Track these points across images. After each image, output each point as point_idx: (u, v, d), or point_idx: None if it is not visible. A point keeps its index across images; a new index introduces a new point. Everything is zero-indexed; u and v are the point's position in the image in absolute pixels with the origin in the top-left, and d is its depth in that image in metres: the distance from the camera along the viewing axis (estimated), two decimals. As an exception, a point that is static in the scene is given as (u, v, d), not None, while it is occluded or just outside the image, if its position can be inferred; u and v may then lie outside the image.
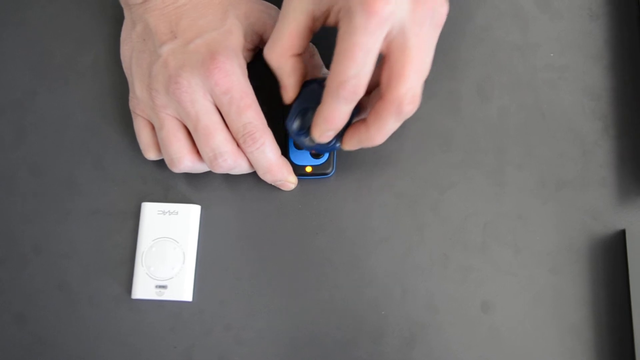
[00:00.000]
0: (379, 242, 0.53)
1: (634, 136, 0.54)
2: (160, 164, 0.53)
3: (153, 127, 0.52)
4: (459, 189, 0.54)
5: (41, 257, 0.53)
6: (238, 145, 0.49)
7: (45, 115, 0.56)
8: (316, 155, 0.53)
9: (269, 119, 0.49)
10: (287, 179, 0.52)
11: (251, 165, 0.51)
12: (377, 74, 0.45)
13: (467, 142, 0.54)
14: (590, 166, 0.54)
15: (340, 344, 0.51)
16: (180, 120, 0.49)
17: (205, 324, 0.52)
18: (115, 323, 0.52)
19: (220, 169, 0.50)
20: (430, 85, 0.55)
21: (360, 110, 0.50)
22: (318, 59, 0.52)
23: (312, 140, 0.48)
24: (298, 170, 0.52)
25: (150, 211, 0.53)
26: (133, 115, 0.52)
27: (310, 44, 0.51)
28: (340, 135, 0.49)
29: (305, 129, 0.49)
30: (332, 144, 0.49)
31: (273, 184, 0.52)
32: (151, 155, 0.52)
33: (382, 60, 0.45)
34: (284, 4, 0.46)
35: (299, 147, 0.53)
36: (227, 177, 0.54)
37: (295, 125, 0.49)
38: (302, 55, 0.48)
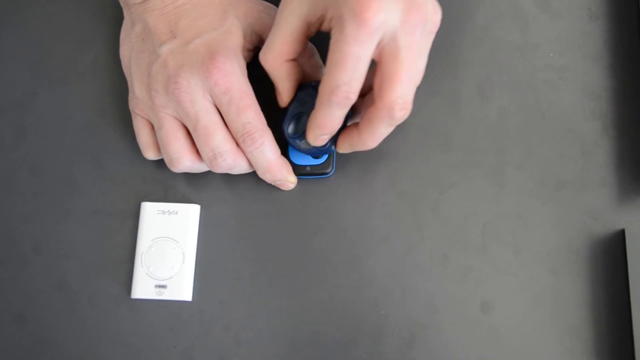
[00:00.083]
0: (378, 242, 0.53)
1: (634, 136, 0.54)
2: (160, 163, 0.53)
3: (152, 127, 0.52)
4: (459, 189, 0.54)
5: (41, 257, 0.53)
6: (237, 145, 0.49)
7: (45, 115, 0.56)
8: (315, 155, 0.53)
9: (268, 118, 0.49)
10: (287, 179, 0.52)
11: (251, 164, 0.51)
12: (371, 77, 0.45)
13: (467, 142, 0.54)
14: (590, 166, 0.54)
15: (340, 344, 0.51)
16: (179, 120, 0.49)
17: (204, 324, 0.52)
18: (115, 323, 0.52)
19: (219, 169, 0.50)
20: (430, 85, 0.55)
21: (355, 113, 0.50)
22: (318, 59, 0.52)
23: (307, 144, 0.49)
24: (297, 169, 0.53)
25: (150, 211, 0.53)
26: (132, 115, 0.52)
27: (310, 43, 0.51)
28: (335, 138, 0.49)
29: (301, 133, 0.49)
30: (327, 146, 0.49)
31: (272, 183, 0.52)
32: (150, 155, 0.52)
33: (375, 66, 0.45)
34: (279, 9, 0.46)
35: None
36: (227, 177, 0.54)
37: (290, 129, 0.50)
38: (298, 59, 0.49)
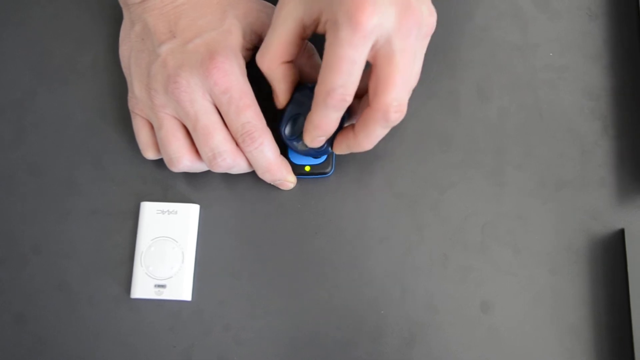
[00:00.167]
0: (378, 241, 0.53)
1: (633, 136, 0.54)
2: (160, 163, 0.53)
3: (152, 127, 0.52)
4: (459, 189, 0.54)
5: (41, 257, 0.53)
6: (237, 144, 0.49)
7: (45, 115, 0.56)
8: (313, 156, 0.53)
9: (268, 118, 0.50)
10: (286, 178, 0.52)
11: (250, 164, 0.51)
12: (367, 79, 0.45)
13: (467, 142, 0.54)
14: (590, 166, 0.54)
15: (339, 344, 0.51)
16: (179, 120, 0.50)
17: (204, 324, 0.52)
18: (114, 322, 0.52)
19: (219, 169, 0.50)
20: (430, 85, 0.55)
21: (352, 114, 0.50)
22: (317, 59, 0.52)
23: (304, 145, 0.49)
24: (297, 169, 0.53)
25: (150, 211, 0.53)
26: (132, 115, 0.52)
27: (309, 43, 0.51)
28: (332, 139, 0.49)
29: (298, 134, 0.49)
30: (324, 148, 0.50)
31: (272, 183, 0.52)
32: (150, 154, 0.52)
33: (370, 68, 0.45)
34: (275, 11, 0.47)
35: None
36: (226, 177, 0.54)
37: (287, 130, 0.50)
38: (297, 60, 0.49)
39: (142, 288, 0.52)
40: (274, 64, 0.48)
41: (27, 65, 0.57)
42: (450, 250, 0.53)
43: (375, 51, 0.43)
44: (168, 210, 0.53)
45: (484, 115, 0.55)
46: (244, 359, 0.51)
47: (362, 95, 0.49)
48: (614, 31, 0.56)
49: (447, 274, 0.52)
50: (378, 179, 0.54)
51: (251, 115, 0.48)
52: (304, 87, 0.50)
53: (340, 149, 0.50)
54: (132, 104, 0.52)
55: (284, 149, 0.52)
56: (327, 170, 0.53)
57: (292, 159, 0.53)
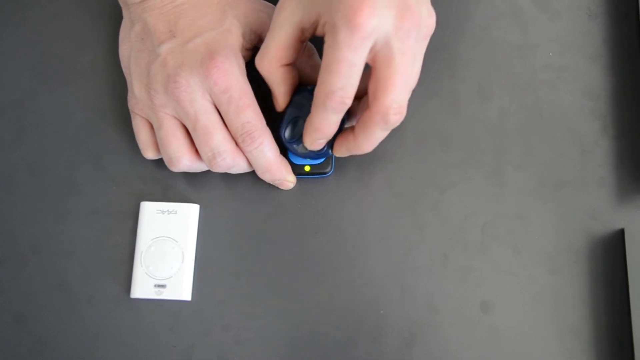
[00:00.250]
0: (378, 241, 0.53)
1: (633, 136, 0.54)
2: (159, 163, 0.53)
3: (152, 127, 0.52)
4: (459, 189, 0.54)
5: (41, 257, 0.53)
6: (237, 144, 0.49)
7: (45, 115, 0.56)
8: (313, 158, 0.53)
9: (267, 118, 0.50)
10: (286, 178, 0.52)
11: (250, 164, 0.51)
12: (366, 81, 0.45)
13: (467, 142, 0.54)
14: (590, 166, 0.54)
15: (339, 344, 0.51)
16: (179, 120, 0.50)
17: (204, 324, 0.52)
18: (114, 322, 0.52)
19: (219, 168, 0.50)
20: (430, 85, 0.55)
21: (352, 116, 0.50)
22: (317, 58, 0.52)
23: (304, 148, 0.49)
24: (297, 169, 0.53)
25: (150, 210, 0.53)
26: (132, 115, 0.53)
27: (309, 43, 0.51)
28: (332, 142, 0.49)
29: (297, 137, 0.50)
30: (324, 150, 0.50)
31: (272, 183, 0.52)
32: (150, 154, 0.52)
33: (369, 70, 0.45)
34: (274, 14, 0.47)
35: None
36: (226, 177, 0.54)
37: (287, 133, 0.50)
38: (297, 60, 0.49)
39: (142, 288, 0.52)
40: (273, 66, 0.48)
41: (27, 65, 0.57)
42: (450, 250, 0.53)
43: (374, 53, 0.43)
44: (168, 210, 0.53)
45: (484, 115, 0.55)
46: (244, 359, 0.51)
47: (362, 96, 0.49)
48: (613, 31, 0.56)
49: (447, 274, 0.52)
50: (378, 179, 0.54)
51: (251, 115, 0.48)
52: (304, 89, 0.50)
53: (340, 151, 0.50)
54: (132, 103, 0.52)
55: (284, 149, 0.52)
56: (327, 170, 0.53)
57: (291, 159, 0.53)
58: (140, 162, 0.54)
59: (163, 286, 0.52)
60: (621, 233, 0.52)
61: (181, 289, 0.52)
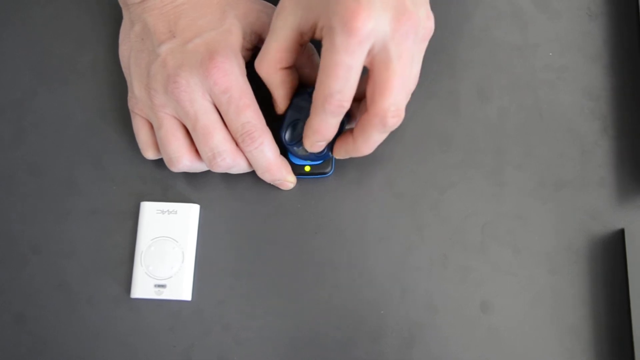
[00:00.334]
0: (378, 241, 0.53)
1: (633, 136, 0.54)
2: (159, 163, 0.53)
3: (152, 127, 0.52)
4: (459, 189, 0.54)
5: (40, 257, 0.53)
6: (237, 144, 0.49)
7: (45, 115, 0.56)
8: (313, 160, 0.53)
9: (267, 118, 0.50)
10: (286, 178, 0.52)
11: (250, 164, 0.51)
12: (365, 83, 0.45)
13: (467, 142, 0.54)
14: (590, 166, 0.54)
15: (339, 344, 0.51)
16: (179, 120, 0.50)
17: (204, 324, 0.52)
18: (114, 322, 0.52)
19: (219, 168, 0.50)
20: (429, 85, 0.55)
21: (352, 118, 0.50)
22: (317, 58, 0.52)
23: (304, 150, 0.49)
24: (297, 169, 0.53)
25: (150, 210, 0.53)
26: (132, 115, 0.53)
27: (309, 43, 0.51)
28: (332, 144, 0.49)
29: (297, 140, 0.50)
30: (324, 152, 0.50)
31: (272, 183, 0.52)
32: (150, 154, 0.52)
33: (367, 73, 0.45)
34: (274, 18, 0.47)
35: None
36: (226, 177, 0.54)
37: (287, 136, 0.50)
38: (297, 61, 0.49)
39: (142, 288, 0.52)
40: (272, 70, 0.48)
41: (27, 65, 0.57)
42: (450, 250, 0.53)
43: (372, 56, 0.43)
44: (168, 210, 0.53)
45: (484, 115, 0.55)
46: (244, 359, 0.51)
47: (362, 99, 0.49)
48: (613, 31, 0.56)
49: (447, 274, 0.52)
50: (378, 179, 0.54)
51: (251, 115, 0.48)
52: (304, 92, 0.50)
53: (339, 153, 0.50)
54: (131, 103, 0.52)
55: (284, 150, 0.52)
56: (327, 170, 0.53)
57: (292, 159, 0.53)
58: (140, 162, 0.54)
59: (163, 286, 0.52)
60: (621, 233, 0.52)
61: (181, 289, 0.52)
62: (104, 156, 0.55)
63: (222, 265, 0.53)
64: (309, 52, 0.51)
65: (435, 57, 0.55)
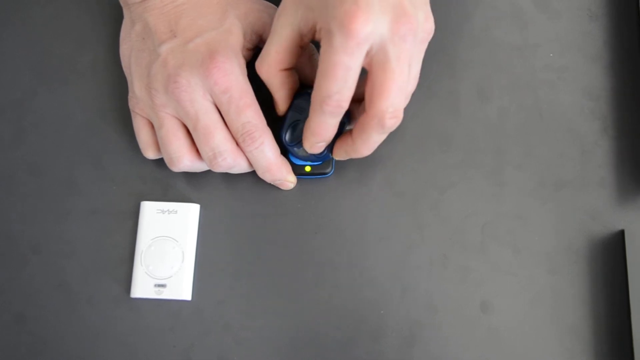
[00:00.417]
0: (378, 241, 0.53)
1: (633, 136, 0.54)
2: (160, 163, 0.53)
3: (152, 126, 0.52)
4: (459, 189, 0.54)
5: (40, 256, 0.53)
6: (237, 144, 0.49)
7: (45, 115, 0.56)
8: (314, 160, 0.53)
9: (268, 118, 0.50)
10: (286, 178, 0.52)
11: (250, 164, 0.51)
12: (364, 84, 0.45)
13: (467, 142, 0.54)
14: (590, 166, 0.54)
15: (339, 344, 0.51)
16: (179, 120, 0.50)
17: (204, 324, 0.52)
18: (114, 322, 0.52)
19: (219, 168, 0.50)
20: (429, 85, 0.55)
21: (351, 119, 0.50)
22: (317, 58, 0.52)
23: (305, 151, 0.49)
24: (297, 169, 0.53)
25: (150, 210, 0.53)
26: (132, 115, 0.53)
27: (310, 44, 0.51)
28: (332, 144, 0.49)
29: (298, 141, 0.50)
30: (324, 153, 0.50)
31: (272, 183, 0.52)
32: (150, 154, 0.53)
33: (366, 75, 0.45)
34: (274, 19, 0.47)
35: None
36: (227, 176, 0.54)
37: (287, 136, 0.50)
38: (297, 62, 0.49)
39: (142, 288, 0.52)
40: (272, 71, 0.48)
41: (27, 65, 0.57)
42: (450, 250, 0.53)
43: (370, 58, 0.43)
44: (168, 210, 0.53)
45: (484, 115, 0.55)
46: (244, 359, 0.51)
47: (362, 99, 0.49)
48: (614, 31, 0.56)
49: (447, 274, 0.52)
50: (378, 179, 0.54)
51: (251, 114, 0.48)
52: (304, 92, 0.50)
53: (339, 154, 0.50)
54: (132, 103, 0.52)
55: (285, 150, 0.52)
56: (327, 170, 0.53)
57: (292, 160, 0.53)
58: (140, 162, 0.54)
59: (163, 286, 0.52)
60: (621, 234, 0.52)
61: (181, 288, 0.52)
62: (104, 156, 0.55)
63: (222, 265, 0.53)
64: (309, 52, 0.51)
65: (435, 57, 0.55)
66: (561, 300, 0.52)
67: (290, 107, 0.50)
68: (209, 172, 0.54)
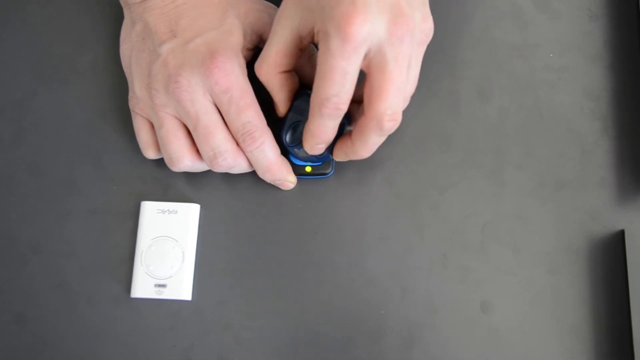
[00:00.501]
0: (378, 242, 0.53)
1: (633, 136, 0.54)
2: (160, 163, 0.53)
3: (152, 126, 0.52)
4: (459, 189, 0.54)
5: (40, 256, 0.53)
6: (238, 144, 0.49)
7: (44, 115, 0.56)
8: (314, 161, 0.53)
9: (268, 118, 0.50)
10: (287, 178, 0.52)
11: (251, 164, 0.51)
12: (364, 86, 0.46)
13: (467, 142, 0.54)
14: (590, 166, 0.54)
15: (339, 344, 0.51)
16: (179, 120, 0.50)
17: (204, 324, 0.52)
18: (114, 322, 0.52)
19: (219, 168, 0.50)
20: (430, 85, 0.55)
21: (352, 120, 0.50)
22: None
23: (305, 152, 0.49)
24: (297, 169, 0.53)
25: (150, 210, 0.53)
26: (132, 115, 0.53)
27: (310, 44, 0.51)
28: (333, 146, 0.49)
29: (298, 142, 0.50)
30: (324, 154, 0.50)
31: (272, 183, 0.52)
32: (150, 154, 0.53)
33: (365, 77, 0.45)
34: (274, 22, 0.47)
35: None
36: (227, 176, 0.54)
37: (288, 138, 0.50)
38: (297, 62, 0.49)
39: (142, 287, 0.52)
40: (272, 74, 0.48)
41: (27, 65, 0.57)
42: (450, 251, 0.53)
43: (368, 60, 0.43)
44: (168, 210, 0.53)
45: (484, 115, 0.55)
46: (244, 359, 0.51)
47: (362, 100, 0.49)
48: (614, 32, 0.56)
49: (447, 274, 0.52)
50: (378, 180, 0.54)
51: (252, 114, 0.48)
52: (304, 93, 0.50)
53: (339, 156, 0.50)
54: (132, 103, 0.52)
55: (285, 150, 0.52)
56: (328, 171, 0.53)
57: (292, 160, 0.53)
58: (140, 162, 0.54)
59: (163, 286, 0.52)
60: (621, 234, 0.52)
61: (181, 288, 0.52)
62: (104, 156, 0.55)
63: (222, 265, 0.53)
64: (309, 52, 0.51)
65: (435, 57, 0.55)
66: (561, 300, 0.52)
67: (290, 108, 0.50)
68: (209, 172, 0.54)
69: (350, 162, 0.53)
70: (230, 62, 0.48)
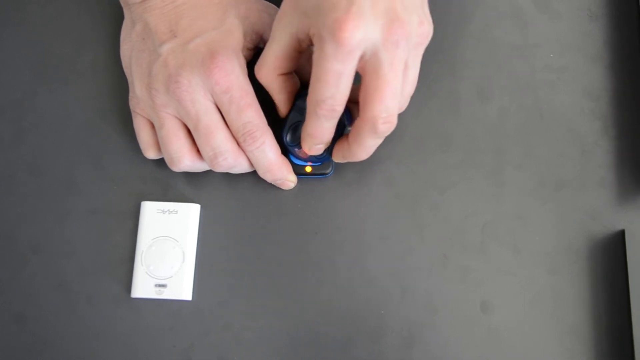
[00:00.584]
0: (378, 241, 0.53)
1: (633, 136, 0.54)
2: (160, 163, 0.53)
3: (153, 126, 0.52)
4: (459, 189, 0.54)
5: (40, 256, 0.53)
6: (238, 144, 0.49)
7: (44, 115, 0.56)
8: (314, 161, 0.53)
9: (269, 118, 0.50)
10: (287, 178, 0.52)
11: (251, 164, 0.51)
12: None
13: (467, 142, 0.54)
14: (590, 166, 0.54)
15: (339, 344, 0.51)
16: (180, 120, 0.50)
17: (204, 324, 0.52)
18: (114, 322, 0.52)
19: (220, 168, 0.50)
20: (429, 85, 0.55)
21: (352, 121, 0.50)
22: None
23: (305, 152, 0.49)
24: (298, 169, 0.53)
25: (150, 210, 0.53)
26: (133, 115, 0.53)
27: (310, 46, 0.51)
28: (332, 146, 0.49)
29: (298, 142, 0.50)
30: (324, 155, 0.50)
31: (273, 183, 0.52)
32: (151, 154, 0.53)
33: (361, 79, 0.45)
34: (274, 24, 0.47)
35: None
36: (227, 176, 0.54)
37: (288, 137, 0.51)
38: (292, 73, 0.49)
39: (143, 287, 0.52)
40: (271, 76, 0.48)
41: (27, 65, 0.57)
42: (450, 251, 0.53)
43: (363, 62, 0.43)
44: (168, 210, 0.53)
45: (484, 115, 0.55)
46: (244, 359, 0.51)
47: None
48: (614, 32, 0.56)
49: (447, 274, 0.52)
50: (378, 180, 0.54)
51: (252, 114, 0.48)
52: (305, 93, 0.50)
53: (337, 157, 0.50)
54: (133, 103, 0.52)
55: (285, 150, 0.52)
56: (328, 171, 0.53)
57: (293, 160, 0.53)
58: (140, 162, 0.54)
59: (163, 286, 0.52)
60: (621, 234, 0.52)
61: (181, 288, 0.52)
62: (104, 156, 0.55)
63: (223, 265, 0.53)
64: (309, 53, 0.51)
65: (435, 57, 0.55)
66: (561, 300, 0.52)
67: (291, 108, 0.51)
68: (209, 172, 0.54)
69: (350, 162, 0.53)
70: (230, 62, 0.48)
